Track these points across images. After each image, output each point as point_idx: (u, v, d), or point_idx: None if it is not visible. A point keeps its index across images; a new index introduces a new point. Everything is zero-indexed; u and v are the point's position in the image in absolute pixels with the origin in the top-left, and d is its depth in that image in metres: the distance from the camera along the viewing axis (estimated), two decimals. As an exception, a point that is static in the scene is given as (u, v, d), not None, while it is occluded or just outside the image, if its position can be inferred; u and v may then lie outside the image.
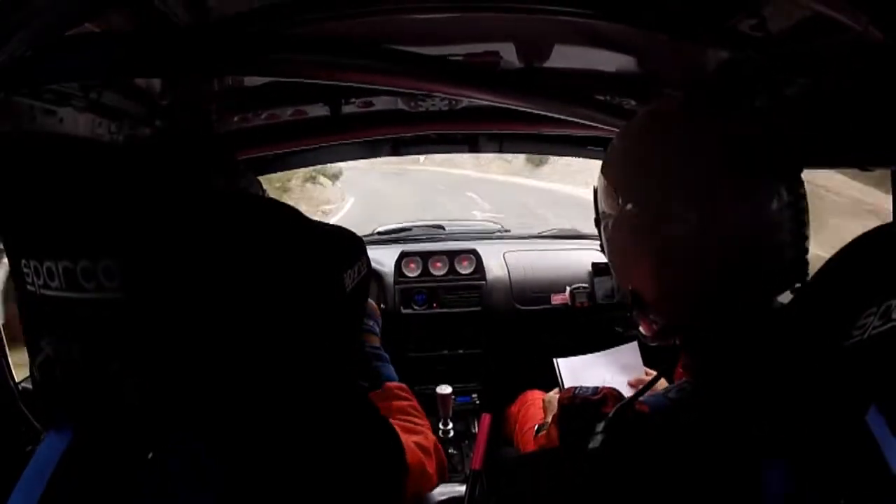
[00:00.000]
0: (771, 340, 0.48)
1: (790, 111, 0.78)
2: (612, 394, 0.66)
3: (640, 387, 1.26)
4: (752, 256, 0.55)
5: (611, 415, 0.56)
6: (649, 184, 0.59)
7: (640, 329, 0.67)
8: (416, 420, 0.88)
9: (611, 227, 0.64)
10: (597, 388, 0.68)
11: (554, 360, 1.44)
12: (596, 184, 0.69)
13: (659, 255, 0.59)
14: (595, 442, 0.54)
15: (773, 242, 0.55)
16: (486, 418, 1.35)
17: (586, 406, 0.66)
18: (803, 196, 0.56)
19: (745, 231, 0.55)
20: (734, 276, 0.55)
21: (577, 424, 0.64)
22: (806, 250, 0.57)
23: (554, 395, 1.30)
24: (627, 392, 0.67)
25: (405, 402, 0.93)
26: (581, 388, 0.69)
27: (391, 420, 0.77)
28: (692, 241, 0.56)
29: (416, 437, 0.80)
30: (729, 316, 0.54)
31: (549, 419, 1.15)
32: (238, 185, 0.71)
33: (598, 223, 0.69)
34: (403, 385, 1.00)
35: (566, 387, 1.36)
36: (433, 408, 1.54)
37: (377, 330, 1.17)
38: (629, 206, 0.61)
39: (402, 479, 0.63)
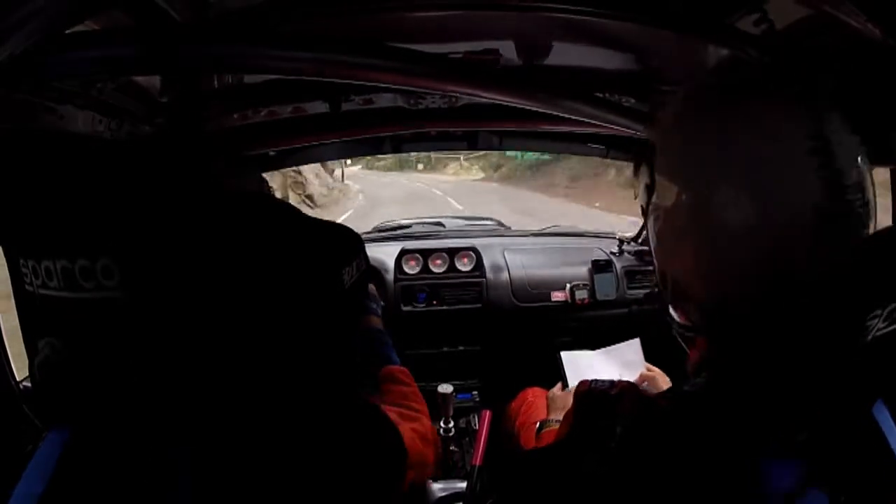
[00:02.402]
0: (781, 338, 0.48)
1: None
2: (630, 389, 0.66)
3: (643, 383, 1.27)
4: (807, 249, 0.52)
5: (630, 413, 0.55)
6: (704, 171, 0.57)
7: (675, 317, 0.65)
8: (414, 406, 0.89)
9: (662, 218, 0.62)
10: (613, 381, 0.67)
11: (557, 354, 1.45)
12: (640, 177, 0.67)
13: (710, 242, 0.57)
14: (614, 439, 0.54)
15: (829, 237, 0.52)
16: (487, 415, 1.35)
17: (603, 399, 0.65)
18: (866, 189, 0.53)
19: (800, 222, 0.52)
20: (786, 269, 0.53)
21: (593, 418, 0.63)
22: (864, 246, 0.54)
23: (557, 390, 1.31)
24: None
25: (406, 388, 0.93)
26: (597, 381, 0.69)
27: (390, 406, 0.78)
28: (745, 230, 0.54)
29: (414, 423, 0.80)
30: (771, 310, 0.53)
31: (555, 416, 1.15)
32: (242, 181, 0.71)
33: (645, 215, 0.67)
34: (405, 369, 1.00)
35: (569, 381, 1.37)
36: (434, 406, 1.54)
37: (379, 312, 1.18)
38: (683, 196, 0.59)
39: (402, 473, 0.63)
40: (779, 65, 0.78)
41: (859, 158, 0.54)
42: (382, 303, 1.82)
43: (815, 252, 0.52)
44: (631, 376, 1.34)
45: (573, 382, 1.35)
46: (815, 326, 0.47)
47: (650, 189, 0.64)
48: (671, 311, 0.65)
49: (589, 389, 0.67)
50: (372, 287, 1.19)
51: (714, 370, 0.56)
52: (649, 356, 1.44)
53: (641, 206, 0.68)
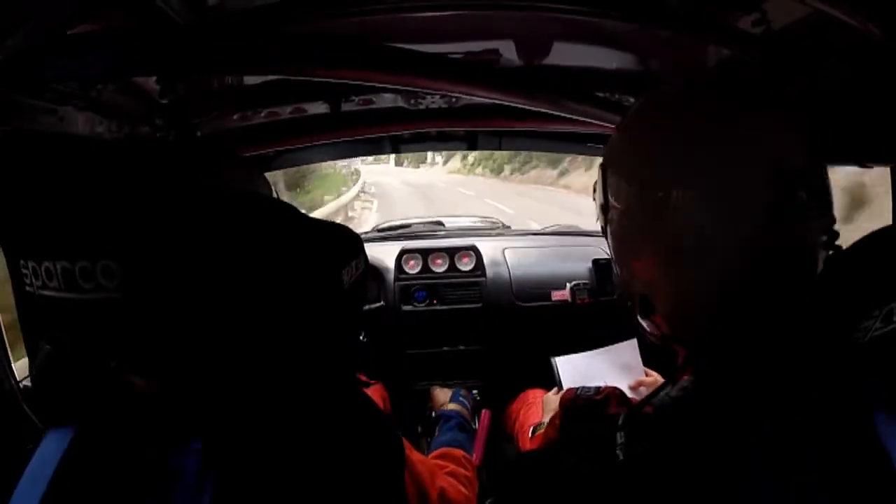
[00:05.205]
0: (773, 340, 0.48)
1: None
2: (615, 393, 0.66)
3: (640, 388, 1.26)
4: (767, 251, 0.52)
5: (622, 420, 0.55)
6: (656, 171, 0.57)
7: (646, 327, 0.65)
8: (462, 489, 0.87)
9: (616, 220, 0.62)
10: (599, 387, 0.67)
11: (552, 359, 1.44)
12: (598, 180, 0.66)
13: (667, 246, 0.57)
14: (620, 450, 0.53)
15: (790, 238, 0.53)
16: (486, 414, 1.35)
17: (589, 406, 0.65)
18: (826, 190, 0.53)
19: (759, 222, 0.52)
20: (745, 270, 0.53)
21: (579, 425, 0.63)
22: (829, 246, 0.54)
23: (552, 394, 1.31)
24: (628, 394, 0.67)
25: (463, 471, 0.93)
26: (583, 388, 0.69)
27: (440, 478, 0.78)
28: (701, 232, 0.54)
29: (459, 487, 0.81)
30: (737, 314, 0.52)
31: (546, 419, 1.16)
32: (244, 183, 0.71)
33: (603, 220, 0.66)
34: (470, 457, 1.02)
35: (565, 386, 1.36)
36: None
37: (468, 406, 1.34)
38: (635, 196, 0.59)
39: (400, 474, 0.63)
40: (770, 68, 0.78)
41: (817, 161, 0.54)
42: (383, 302, 1.83)
43: (773, 256, 0.52)
44: (628, 380, 1.33)
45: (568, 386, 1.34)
46: (796, 329, 0.47)
47: (606, 206, 0.64)
48: (641, 322, 0.65)
49: (575, 396, 0.68)
50: (466, 401, 1.36)
51: (696, 374, 0.56)
52: (647, 358, 1.42)
53: (602, 227, 0.67)
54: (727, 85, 0.59)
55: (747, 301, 0.51)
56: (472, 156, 26.15)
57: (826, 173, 0.55)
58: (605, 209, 0.65)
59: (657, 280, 0.59)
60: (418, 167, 38.02)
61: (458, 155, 28.28)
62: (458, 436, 1.17)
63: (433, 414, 1.39)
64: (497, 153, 16.38)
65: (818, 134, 0.55)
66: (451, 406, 1.32)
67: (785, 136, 0.54)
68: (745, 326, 0.50)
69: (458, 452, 1.00)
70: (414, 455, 0.70)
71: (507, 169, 23.04)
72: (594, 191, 0.69)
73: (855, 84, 0.71)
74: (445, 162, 34.21)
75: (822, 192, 0.53)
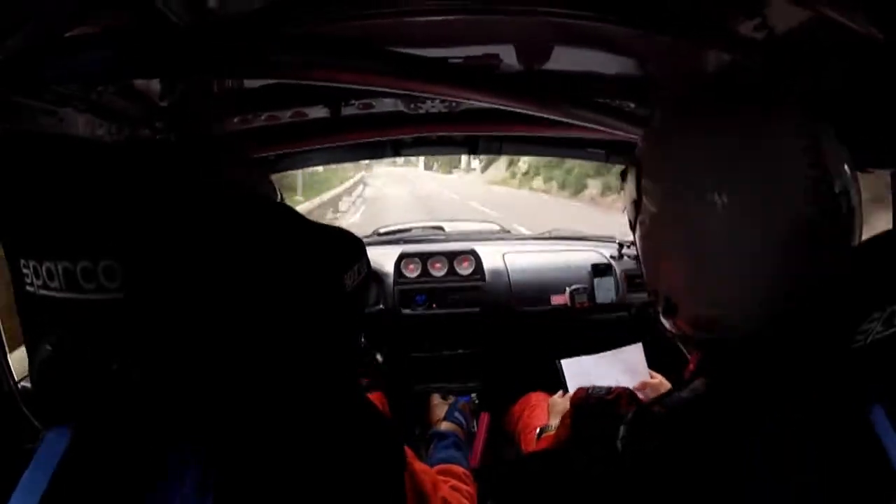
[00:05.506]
0: (779, 342, 0.48)
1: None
2: (625, 393, 0.66)
3: (645, 389, 1.27)
4: (801, 258, 0.52)
5: (629, 417, 0.55)
6: (688, 175, 0.57)
7: (668, 326, 0.65)
8: (465, 503, 0.86)
9: (648, 231, 0.62)
10: (610, 387, 0.68)
11: (557, 361, 1.44)
12: (629, 177, 0.66)
13: (698, 251, 0.57)
14: (620, 445, 0.53)
15: (826, 243, 0.52)
16: (485, 417, 1.35)
17: (601, 406, 0.65)
18: (852, 196, 0.53)
19: (789, 231, 0.52)
20: (777, 276, 0.53)
21: (591, 424, 0.63)
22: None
23: (559, 397, 1.31)
24: None
25: (463, 486, 0.93)
26: (594, 387, 0.69)
27: (444, 490, 0.77)
28: (733, 237, 0.54)
29: (460, 499, 0.80)
30: (763, 318, 0.52)
31: (554, 421, 1.15)
32: (248, 184, 0.71)
33: (633, 217, 0.66)
34: (469, 474, 1.02)
35: (570, 388, 1.36)
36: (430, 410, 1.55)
37: (464, 424, 1.34)
38: (667, 198, 0.59)
39: (400, 479, 0.63)
40: (772, 72, 0.78)
41: (846, 166, 0.54)
42: (382, 306, 1.83)
43: (804, 261, 0.52)
44: (633, 382, 1.33)
45: (574, 389, 1.35)
46: (811, 332, 0.47)
47: (637, 203, 0.64)
48: (663, 320, 0.65)
49: (586, 395, 0.67)
50: (462, 416, 1.37)
51: (710, 377, 0.56)
52: (651, 361, 1.43)
53: (630, 221, 0.67)
54: (762, 88, 0.59)
55: (774, 305, 0.51)
56: (525, 161, 19.39)
57: (857, 178, 0.55)
58: (636, 207, 0.65)
59: (684, 282, 0.60)
60: (450, 172, 33.10)
61: (503, 159, 20.93)
62: (455, 454, 1.16)
63: (427, 433, 1.38)
64: (573, 161, 12.16)
65: (848, 138, 0.54)
66: (445, 426, 1.32)
67: (820, 140, 0.54)
68: (770, 329, 0.50)
69: (459, 469, 1.01)
70: (416, 465, 0.69)
71: (595, 186, 13.89)
72: (622, 179, 0.69)
73: (855, 88, 0.71)
74: (485, 168, 26.88)
75: (851, 194, 0.53)
